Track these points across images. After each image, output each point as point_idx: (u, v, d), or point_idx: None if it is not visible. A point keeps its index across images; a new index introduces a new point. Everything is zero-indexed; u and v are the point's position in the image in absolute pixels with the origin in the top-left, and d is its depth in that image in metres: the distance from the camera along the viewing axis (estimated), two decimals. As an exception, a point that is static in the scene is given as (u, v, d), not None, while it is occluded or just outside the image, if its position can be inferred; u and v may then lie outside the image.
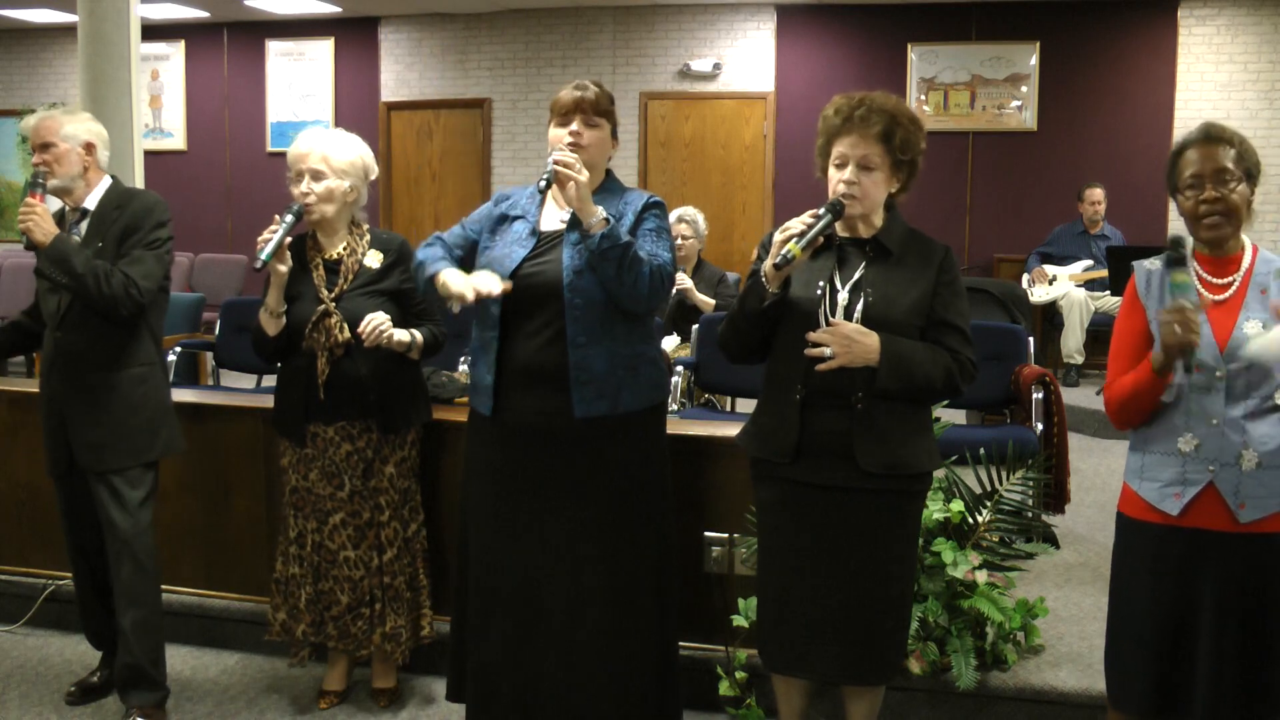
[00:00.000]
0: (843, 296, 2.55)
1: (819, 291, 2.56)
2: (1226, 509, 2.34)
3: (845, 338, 2.47)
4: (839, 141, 2.56)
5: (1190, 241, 2.46)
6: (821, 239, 2.53)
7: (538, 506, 2.82)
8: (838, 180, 2.55)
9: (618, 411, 2.78)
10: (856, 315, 2.52)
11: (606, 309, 2.75)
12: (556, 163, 2.67)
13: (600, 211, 2.69)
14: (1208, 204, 2.36)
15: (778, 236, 2.50)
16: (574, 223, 2.74)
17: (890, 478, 2.52)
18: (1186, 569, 2.39)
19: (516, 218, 2.90)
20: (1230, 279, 2.40)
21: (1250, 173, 2.38)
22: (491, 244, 2.89)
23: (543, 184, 2.69)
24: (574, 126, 2.79)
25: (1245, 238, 2.44)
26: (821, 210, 2.51)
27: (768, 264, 2.50)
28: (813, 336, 2.50)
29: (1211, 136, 2.39)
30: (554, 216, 2.86)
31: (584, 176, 2.67)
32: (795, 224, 2.49)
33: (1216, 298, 2.39)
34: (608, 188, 2.89)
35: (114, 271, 3.00)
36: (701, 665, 3.30)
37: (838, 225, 2.62)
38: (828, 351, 2.48)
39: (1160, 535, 2.42)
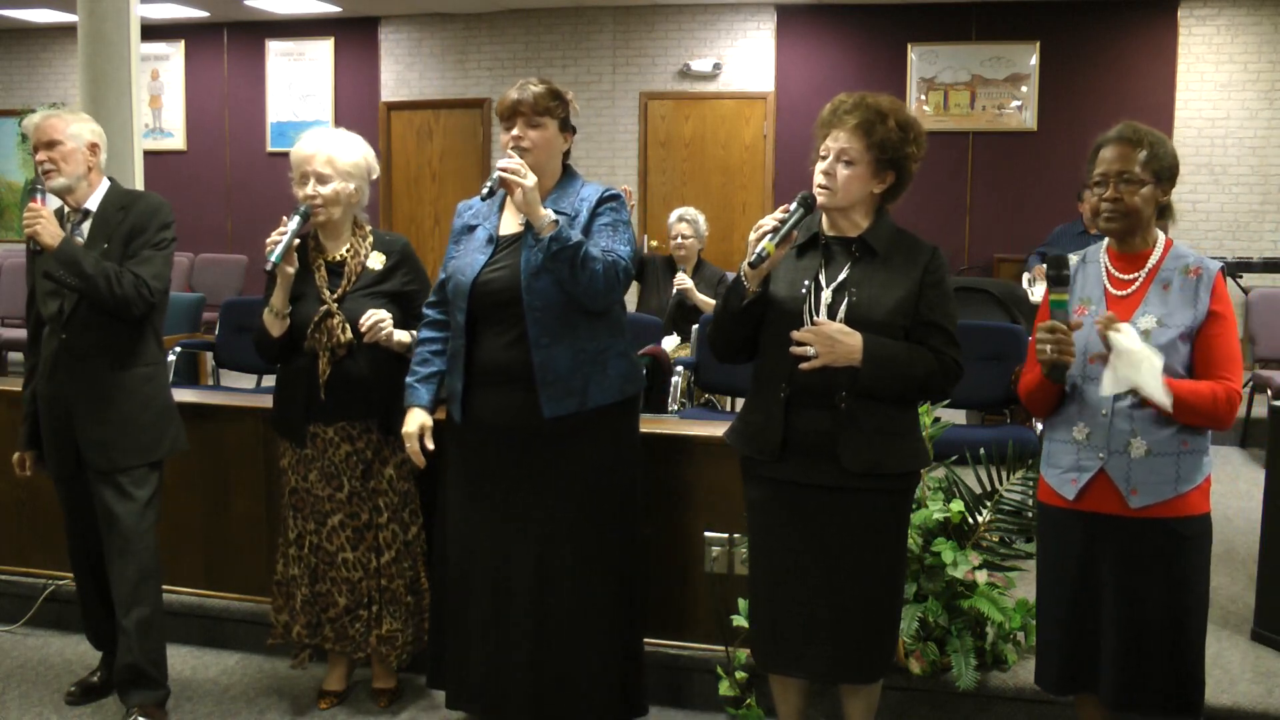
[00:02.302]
0: (826, 296, 2.55)
1: (804, 290, 2.56)
2: (1118, 494, 2.43)
3: (828, 338, 2.48)
4: (827, 137, 2.57)
5: (1074, 261, 2.56)
6: (797, 234, 2.54)
7: (507, 504, 2.87)
8: (817, 172, 2.57)
9: (587, 408, 2.80)
10: (840, 315, 2.52)
11: (566, 308, 2.78)
12: (501, 169, 2.71)
13: (549, 214, 2.72)
14: (1107, 203, 2.45)
15: (752, 235, 2.51)
16: (530, 225, 2.77)
17: (875, 477, 2.53)
18: (1085, 551, 2.50)
19: (478, 225, 2.95)
20: (1135, 275, 2.48)
21: (1160, 175, 2.45)
22: (456, 253, 2.95)
23: (484, 192, 2.74)
24: (515, 131, 2.81)
25: (1160, 233, 2.51)
26: (793, 205, 2.52)
27: (745, 263, 2.51)
28: (796, 335, 2.51)
29: (1125, 137, 2.46)
30: (512, 221, 2.90)
31: (530, 181, 2.69)
32: (768, 221, 2.51)
33: (1121, 293, 2.47)
34: (564, 185, 2.91)
35: (124, 272, 3.02)
36: (701, 665, 3.30)
37: (825, 224, 2.62)
38: (811, 351, 2.49)
39: (1061, 518, 2.53)
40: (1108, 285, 2.50)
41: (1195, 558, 2.46)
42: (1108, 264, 2.52)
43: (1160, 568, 2.44)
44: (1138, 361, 2.32)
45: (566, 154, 2.95)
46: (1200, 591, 2.48)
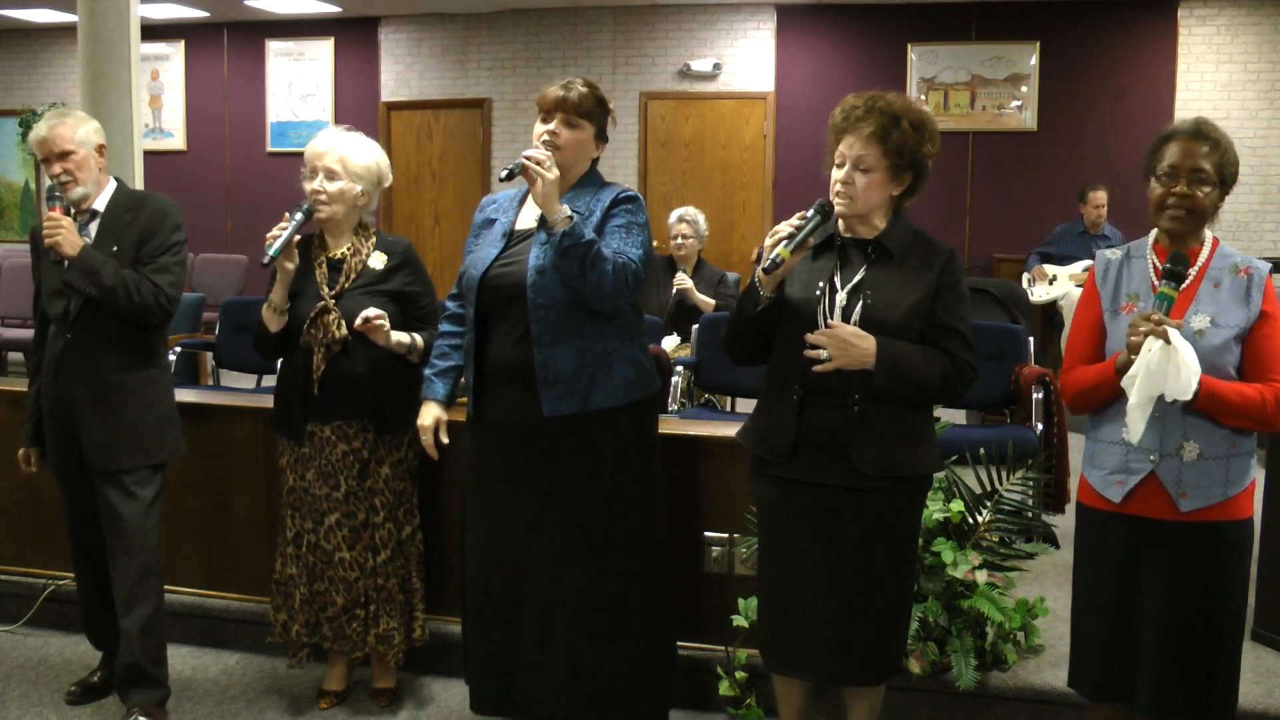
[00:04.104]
0: (841, 298, 2.54)
1: (818, 292, 2.56)
2: (1168, 498, 2.39)
3: (842, 340, 2.47)
4: (840, 142, 2.56)
5: (1118, 255, 2.51)
6: (812, 240, 2.53)
7: (517, 504, 2.86)
8: (834, 180, 2.56)
9: (589, 410, 2.78)
10: (855, 317, 2.51)
11: (572, 308, 2.75)
12: (527, 157, 2.68)
13: (565, 210, 2.70)
14: (1176, 198, 2.40)
15: (767, 241, 2.50)
16: (543, 221, 2.75)
17: (887, 479, 2.52)
18: (1130, 555, 2.45)
19: (497, 219, 2.94)
20: (1186, 272, 2.43)
21: (1225, 180, 2.41)
22: (474, 247, 2.94)
23: (503, 175, 2.71)
24: (551, 126, 2.80)
25: (1207, 232, 2.47)
26: (809, 212, 2.51)
27: (759, 268, 2.51)
28: (810, 338, 2.50)
29: (1200, 133, 2.41)
30: (530, 216, 2.87)
31: (553, 175, 2.67)
32: (784, 227, 2.50)
33: None
34: (585, 183, 2.89)
35: (142, 281, 3.03)
36: (701, 665, 3.30)
37: (840, 226, 2.62)
38: (824, 354, 2.48)
39: (1105, 521, 2.48)
40: (1154, 280, 2.44)
41: (1240, 561, 2.42)
42: (1155, 261, 2.46)
43: (1207, 572, 2.39)
44: (1180, 368, 2.25)
45: (594, 161, 2.94)
46: (1242, 595, 2.44)
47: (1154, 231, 2.51)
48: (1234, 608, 2.43)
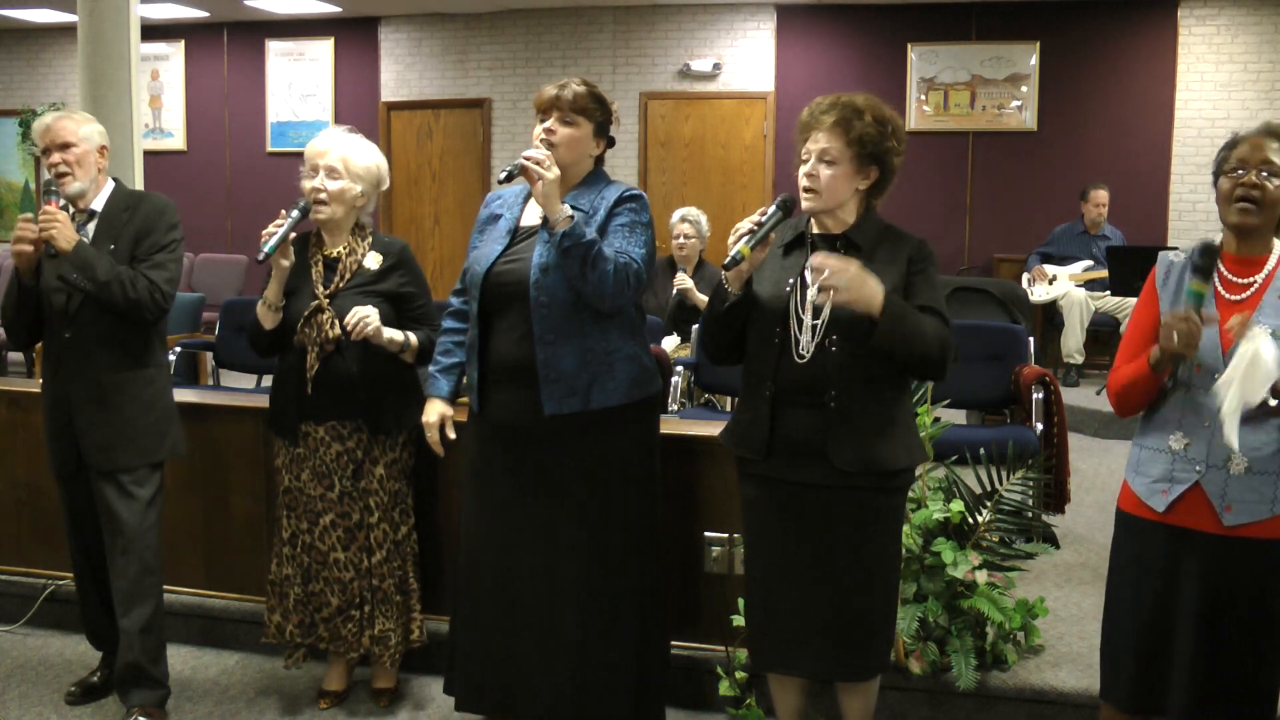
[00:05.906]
0: (812, 293, 2.53)
1: (788, 289, 2.56)
2: (1211, 510, 2.35)
3: (860, 275, 2.39)
4: (807, 139, 2.58)
5: (1184, 259, 2.45)
6: (774, 236, 2.53)
7: (516, 502, 2.86)
8: (800, 175, 2.57)
9: (590, 408, 2.79)
10: (825, 313, 2.50)
11: (574, 306, 2.76)
12: (526, 158, 2.69)
13: (566, 209, 2.71)
14: (1244, 188, 2.34)
15: (730, 239, 2.50)
16: (546, 220, 2.76)
17: (866, 475, 2.51)
18: (1170, 566, 2.41)
19: (502, 215, 2.95)
20: (1252, 279, 2.38)
21: None
22: (479, 243, 2.95)
23: (502, 176, 2.72)
24: (548, 124, 2.81)
25: (1276, 241, 2.41)
26: (770, 208, 2.52)
27: (722, 265, 2.51)
28: (817, 261, 2.39)
29: (1271, 131, 2.38)
30: (535, 213, 2.87)
31: (552, 174, 2.68)
32: (745, 224, 2.50)
33: (1234, 297, 2.37)
34: (589, 182, 2.89)
35: (138, 277, 3.03)
36: (701, 665, 3.30)
37: (812, 222, 2.62)
38: (828, 276, 2.37)
39: (1147, 530, 2.44)
40: (1219, 288, 2.39)
41: None
42: (1220, 266, 2.41)
43: (1247, 589, 2.34)
44: (1265, 375, 2.19)
45: (600, 160, 2.95)
46: None
47: (1220, 235, 2.46)
48: (1274, 627, 2.37)
